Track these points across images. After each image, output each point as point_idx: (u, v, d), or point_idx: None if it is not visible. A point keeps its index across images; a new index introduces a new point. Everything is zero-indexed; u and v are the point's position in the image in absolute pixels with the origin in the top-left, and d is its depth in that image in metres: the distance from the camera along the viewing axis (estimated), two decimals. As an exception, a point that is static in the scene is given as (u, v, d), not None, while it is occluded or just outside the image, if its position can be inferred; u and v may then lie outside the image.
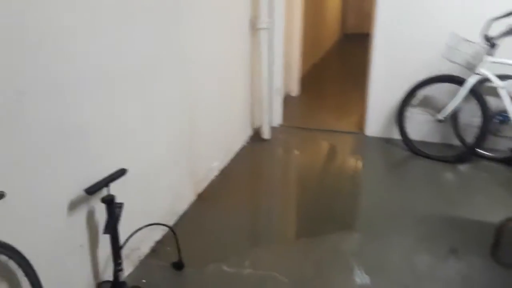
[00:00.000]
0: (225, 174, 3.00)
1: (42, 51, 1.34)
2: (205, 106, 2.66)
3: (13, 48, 1.23)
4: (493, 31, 2.87)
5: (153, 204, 2.17)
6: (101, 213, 1.69)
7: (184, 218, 2.45)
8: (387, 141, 3.61)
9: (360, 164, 3.33)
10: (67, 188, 1.54)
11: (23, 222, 1.36)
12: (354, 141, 3.69)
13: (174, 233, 2.05)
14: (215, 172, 2.95)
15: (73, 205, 1.57)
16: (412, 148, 3.34)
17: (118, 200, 1.68)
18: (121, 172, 1.72)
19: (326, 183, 2.95)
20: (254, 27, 3.28)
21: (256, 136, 3.68)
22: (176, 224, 2.36)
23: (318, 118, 4.18)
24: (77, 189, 1.57)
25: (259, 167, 3.29)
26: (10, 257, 1.22)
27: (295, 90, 4.95)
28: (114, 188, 1.67)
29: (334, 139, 3.73)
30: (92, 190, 1.59)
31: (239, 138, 3.44)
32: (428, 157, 3.24)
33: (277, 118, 3.93)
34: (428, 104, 3.40)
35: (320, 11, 6.58)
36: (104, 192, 1.65)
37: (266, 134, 3.63)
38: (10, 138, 1.26)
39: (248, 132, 3.65)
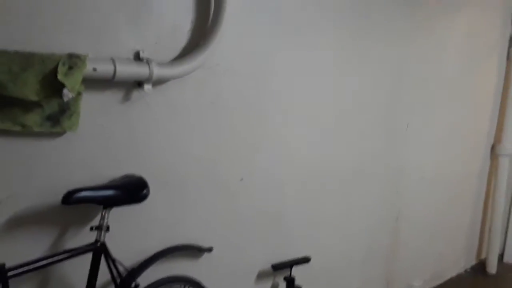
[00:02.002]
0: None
1: (260, 153, 1.79)
2: (416, 220, 2.66)
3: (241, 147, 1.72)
4: None
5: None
6: (281, 290, 1.97)
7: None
8: None
9: None
10: (259, 259, 1.89)
11: (221, 275, 1.76)
12: None
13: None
14: (415, 291, 2.82)
15: (260, 276, 1.91)
16: None
17: (298, 283, 1.93)
18: (305, 260, 1.97)
19: None
20: (494, 152, 3.10)
21: (479, 267, 3.31)
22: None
23: None
24: (266, 263, 1.90)
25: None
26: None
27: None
28: (297, 271, 1.93)
29: None
30: (277, 267, 1.89)
31: (455, 264, 3.18)
32: None
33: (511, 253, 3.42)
34: None
35: None
36: (287, 272, 1.93)
37: (492, 267, 3.22)
38: (229, 208, 1.72)
39: (470, 261, 3.32)
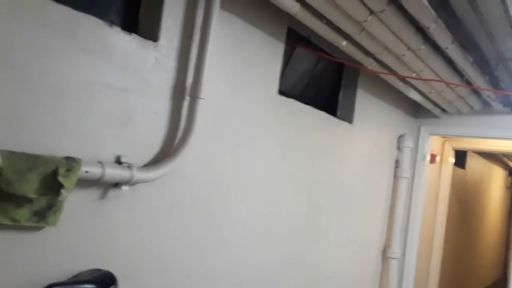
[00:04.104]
0: None
1: (208, 252, 1.97)
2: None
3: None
4: None
5: None
6: None
7: None
8: None
9: None
10: None
11: None
12: None
13: None
14: None
15: None
16: None
17: None
18: None
19: None
20: (385, 255, 3.60)
21: None
22: None
23: None
24: None
25: None
26: None
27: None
28: None
29: None
30: None
31: None
32: None
33: None
34: None
35: (469, 247, 6.47)
36: None
37: None
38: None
39: None
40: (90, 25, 1.44)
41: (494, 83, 3.12)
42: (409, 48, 2.34)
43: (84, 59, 1.43)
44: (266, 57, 2.18)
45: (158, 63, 1.67)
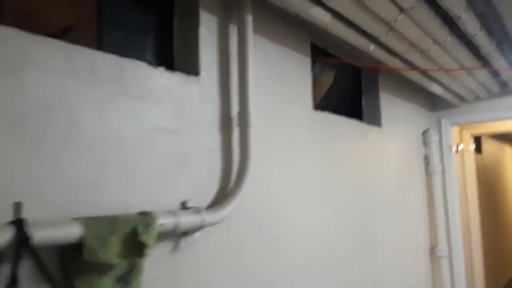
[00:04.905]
0: None
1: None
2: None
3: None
4: None
5: None
6: None
7: None
8: None
9: None
10: None
11: None
12: None
13: None
14: None
15: None
16: None
17: None
18: None
19: None
20: (434, 254, 3.49)
21: None
22: None
23: None
24: None
25: None
26: None
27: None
28: None
29: None
30: None
31: None
32: None
33: None
34: None
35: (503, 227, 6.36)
36: None
37: None
38: None
39: None
40: (136, 70, 1.36)
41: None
42: (435, 42, 2.29)
43: (135, 105, 1.35)
44: (297, 74, 2.12)
45: (203, 98, 1.59)
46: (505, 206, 7.10)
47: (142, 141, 1.36)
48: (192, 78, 1.56)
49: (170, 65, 1.58)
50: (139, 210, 1.25)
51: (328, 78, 2.70)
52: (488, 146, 6.13)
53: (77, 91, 1.18)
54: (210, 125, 1.61)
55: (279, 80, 2.00)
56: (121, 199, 1.25)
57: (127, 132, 1.32)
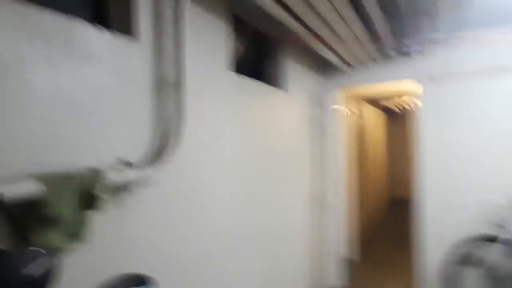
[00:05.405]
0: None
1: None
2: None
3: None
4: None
5: None
6: None
7: None
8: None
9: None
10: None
11: None
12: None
13: None
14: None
15: None
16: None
17: None
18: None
19: None
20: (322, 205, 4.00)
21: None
22: None
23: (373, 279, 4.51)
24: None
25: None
26: None
27: (351, 253, 5.39)
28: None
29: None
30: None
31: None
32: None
33: (338, 281, 4.33)
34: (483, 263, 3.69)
35: (369, 180, 7.36)
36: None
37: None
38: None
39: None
40: (83, 31, 1.37)
41: (396, 34, 3.54)
42: (339, 16, 2.57)
43: (81, 65, 1.37)
44: (218, 40, 2.24)
45: (140, 59, 1.64)
46: (374, 162, 8.17)
47: (88, 101, 1.39)
48: (132, 41, 1.60)
49: (106, 25, 1.60)
50: (87, 167, 1.31)
51: (242, 45, 2.85)
52: (366, 110, 6.93)
53: (28, 49, 1.17)
54: (148, 84, 1.68)
55: (203, 43, 2.10)
56: (70, 157, 1.30)
57: (75, 92, 1.34)
